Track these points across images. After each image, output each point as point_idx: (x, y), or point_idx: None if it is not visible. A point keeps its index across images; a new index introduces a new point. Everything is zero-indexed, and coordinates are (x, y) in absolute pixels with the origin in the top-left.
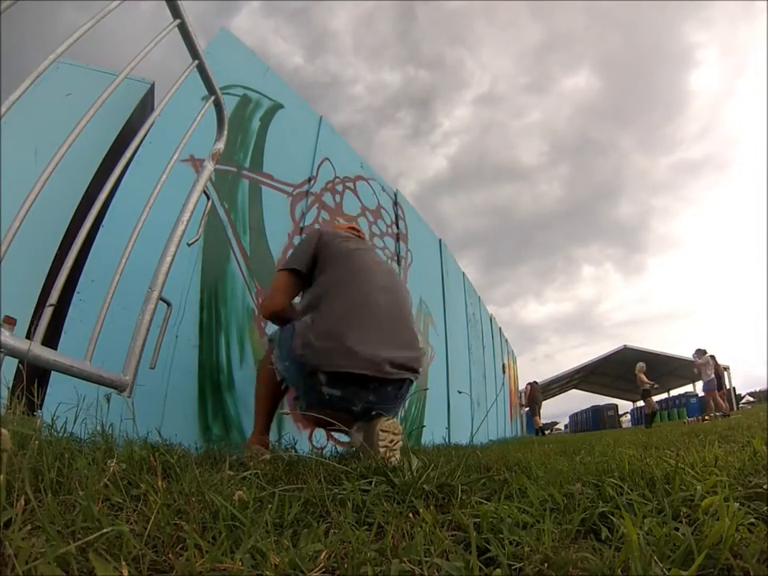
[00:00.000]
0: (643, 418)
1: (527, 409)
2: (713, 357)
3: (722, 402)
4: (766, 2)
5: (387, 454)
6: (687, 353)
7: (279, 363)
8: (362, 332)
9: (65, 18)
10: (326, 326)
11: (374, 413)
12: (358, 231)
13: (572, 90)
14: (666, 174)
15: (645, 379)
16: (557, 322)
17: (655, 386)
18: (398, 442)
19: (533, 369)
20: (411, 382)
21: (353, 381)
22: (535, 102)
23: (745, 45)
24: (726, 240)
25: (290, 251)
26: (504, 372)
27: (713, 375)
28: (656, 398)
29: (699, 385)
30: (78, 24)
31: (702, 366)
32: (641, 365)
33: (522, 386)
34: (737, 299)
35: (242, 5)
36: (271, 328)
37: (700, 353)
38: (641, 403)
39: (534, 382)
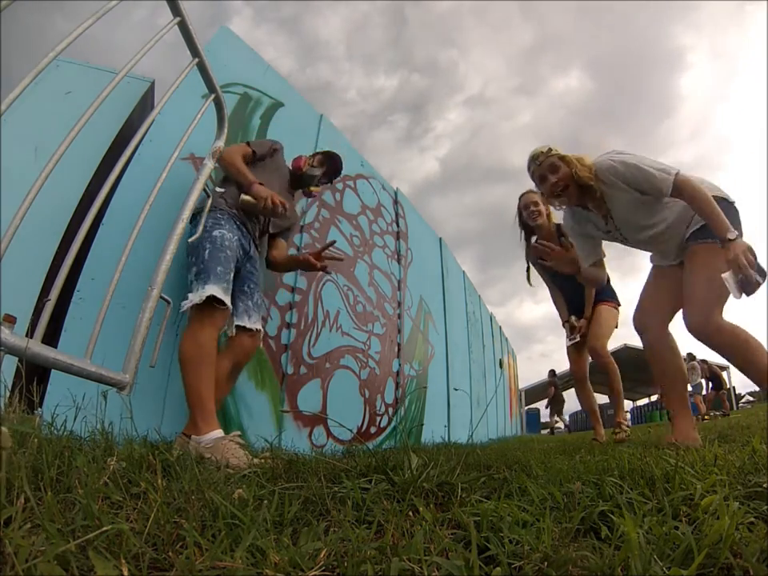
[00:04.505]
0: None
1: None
2: (704, 360)
3: (703, 406)
4: (757, 5)
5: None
6: (686, 352)
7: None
8: None
9: (55, 26)
10: None
11: None
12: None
13: (563, 91)
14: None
15: None
16: (553, 321)
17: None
18: None
19: (529, 367)
20: None
21: None
22: (526, 104)
23: (735, 48)
24: None
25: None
26: (501, 367)
27: (699, 380)
28: (655, 398)
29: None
30: (69, 30)
31: (690, 370)
32: None
33: (522, 385)
34: (735, 299)
35: (232, 13)
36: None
37: (690, 357)
38: (640, 402)
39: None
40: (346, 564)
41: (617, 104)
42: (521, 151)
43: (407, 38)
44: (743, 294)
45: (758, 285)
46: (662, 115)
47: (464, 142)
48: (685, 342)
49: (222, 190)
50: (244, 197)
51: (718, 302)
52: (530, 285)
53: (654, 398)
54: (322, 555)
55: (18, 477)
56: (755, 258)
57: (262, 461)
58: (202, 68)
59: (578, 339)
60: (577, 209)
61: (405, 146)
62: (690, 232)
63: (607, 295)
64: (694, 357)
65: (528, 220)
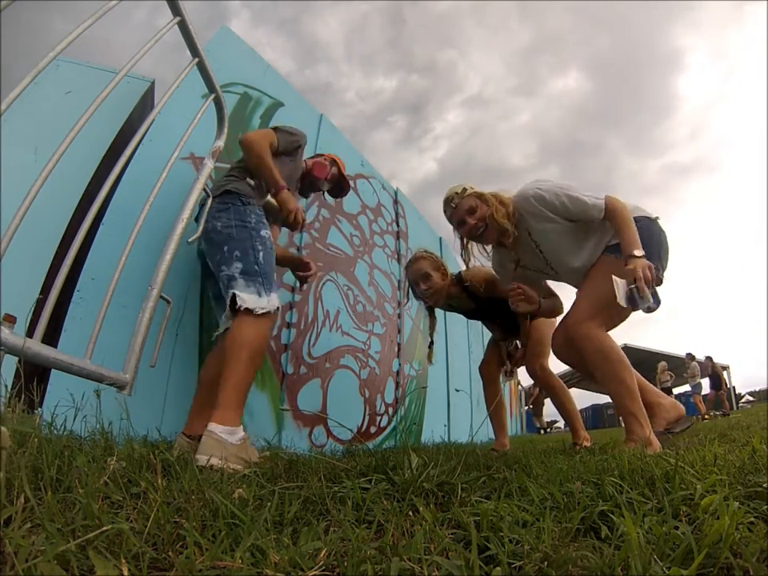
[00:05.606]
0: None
1: (527, 408)
2: (709, 358)
3: (703, 406)
4: (756, 5)
5: None
6: (685, 352)
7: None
8: None
9: (55, 26)
10: None
11: None
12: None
13: (561, 91)
14: (657, 176)
15: (664, 377)
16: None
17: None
18: None
19: None
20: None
21: None
22: (524, 104)
23: (735, 48)
24: (721, 241)
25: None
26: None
27: (699, 380)
28: None
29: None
30: (69, 30)
31: (691, 371)
32: (663, 364)
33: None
34: (735, 299)
35: (231, 15)
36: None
37: (689, 357)
38: None
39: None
40: (345, 564)
41: (615, 104)
42: (519, 151)
43: (406, 39)
44: (629, 305)
45: (647, 306)
46: (660, 116)
47: (462, 143)
48: (685, 341)
49: (252, 182)
50: (271, 199)
51: (600, 313)
52: (431, 363)
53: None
54: (322, 555)
55: (18, 477)
56: (653, 281)
57: (262, 461)
58: (201, 68)
59: (513, 376)
60: (503, 251)
61: (404, 147)
62: (607, 246)
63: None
64: (694, 357)
65: (428, 301)
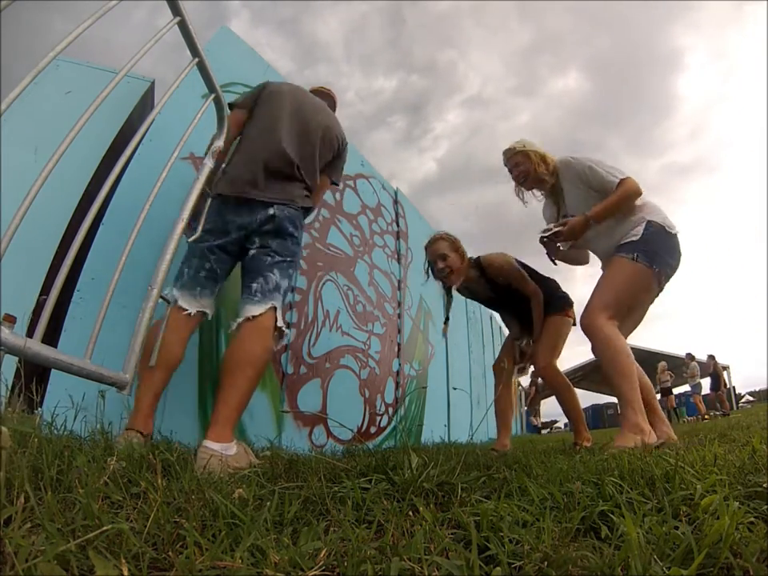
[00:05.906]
0: (670, 413)
1: (526, 408)
2: (711, 356)
3: (703, 405)
4: (756, 5)
5: None
6: (685, 352)
7: None
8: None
9: (55, 26)
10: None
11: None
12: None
13: (561, 91)
14: (657, 176)
15: (664, 377)
16: None
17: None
18: None
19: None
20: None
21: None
22: (524, 104)
23: (734, 48)
24: (722, 241)
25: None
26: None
27: (699, 380)
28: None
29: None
30: (69, 30)
31: (691, 371)
32: (663, 364)
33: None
34: (735, 299)
35: (230, 15)
36: None
37: (689, 357)
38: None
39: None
40: (345, 564)
41: (615, 104)
42: None
43: (406, 39)
44: (541, 236)
45: (554, 243)
46: (660, 116)
47: (462, 143)
48: (685, 341)
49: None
50: None
51: (611, 307)
52: (445, 335)
53: (656, 397)
54: (322, 555)
55: (18, 477)
56: (565, 242)
57: (263, 461)
58: (201, 68)
59: (525, 372)
60: (549, 199)
61: (404, 147)
62: (619, 244)
63: (552, 308)
64: (694, 357)
65: (445, 281)
